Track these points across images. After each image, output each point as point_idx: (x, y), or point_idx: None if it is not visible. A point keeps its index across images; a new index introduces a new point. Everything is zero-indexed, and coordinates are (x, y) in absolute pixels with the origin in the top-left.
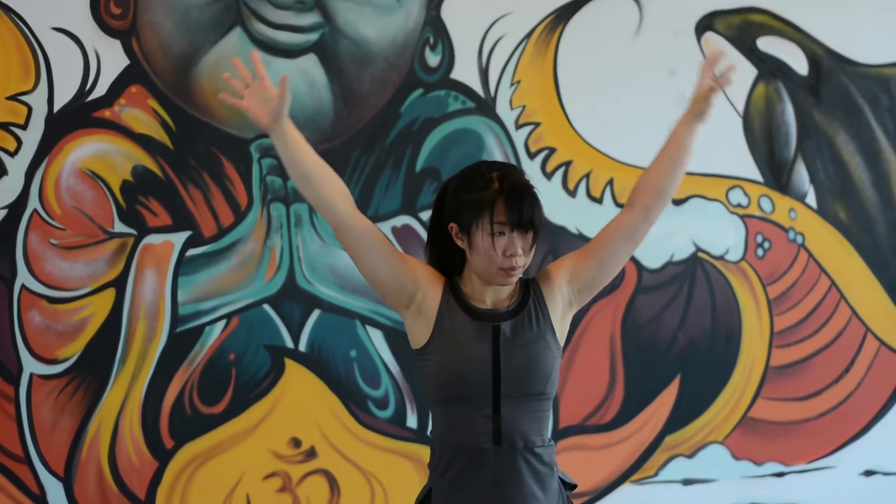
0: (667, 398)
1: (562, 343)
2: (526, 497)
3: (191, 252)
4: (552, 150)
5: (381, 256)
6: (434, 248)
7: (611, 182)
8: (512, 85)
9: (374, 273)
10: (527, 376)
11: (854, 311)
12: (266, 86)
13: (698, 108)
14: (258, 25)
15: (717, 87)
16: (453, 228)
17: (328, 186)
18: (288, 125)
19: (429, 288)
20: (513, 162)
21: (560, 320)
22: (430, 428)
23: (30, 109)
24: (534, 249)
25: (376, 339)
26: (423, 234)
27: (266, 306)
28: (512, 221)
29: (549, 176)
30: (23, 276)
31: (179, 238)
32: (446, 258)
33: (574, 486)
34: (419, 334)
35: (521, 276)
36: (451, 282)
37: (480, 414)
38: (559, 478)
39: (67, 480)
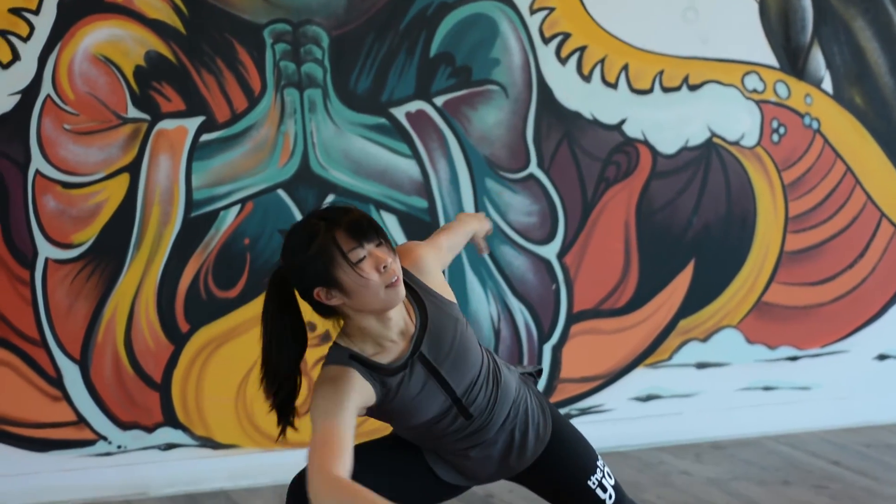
0: (681, 283)
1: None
2: (514, 446)
3: (205, 137)
4: (567, 36)
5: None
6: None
7: (626, 67)
8: None
9: None
10: (467, 368)
11: (869, 197)
12: None
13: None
14: None
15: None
16: (320, 293)
17: None
18: None
19: (362, 395)
20: (526, 47)
21: (441, 285)
22: None
23: None
24: (394, 251)
25: (391, 223)
26: (437, 118)
27: (280, 191)
28: (361, 239)
29: (563, 61)
30: (37, 162)
31: (193, 123)
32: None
33: (540, 371)
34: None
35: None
36: (356, 366)
37: (448, 418)
38: (522, 375)
39: (84, 363)
